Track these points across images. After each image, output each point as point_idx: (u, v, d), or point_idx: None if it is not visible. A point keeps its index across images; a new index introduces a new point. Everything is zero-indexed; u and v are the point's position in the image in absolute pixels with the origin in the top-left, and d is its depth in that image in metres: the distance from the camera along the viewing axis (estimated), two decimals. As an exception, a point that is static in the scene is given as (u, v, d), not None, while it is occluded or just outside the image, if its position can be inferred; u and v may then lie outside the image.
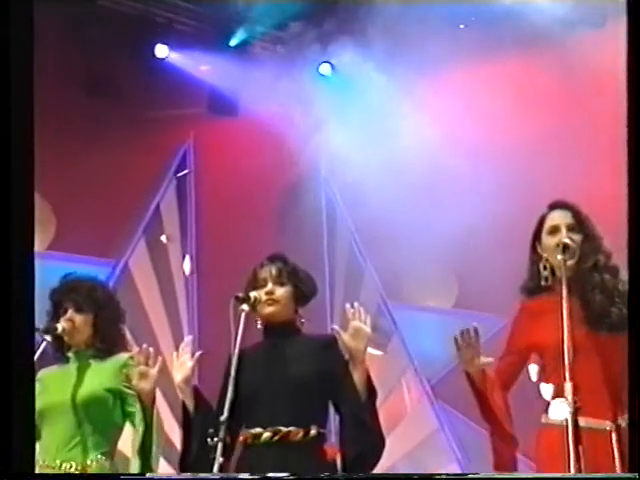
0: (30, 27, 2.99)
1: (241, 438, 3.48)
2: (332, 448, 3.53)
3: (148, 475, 3.80)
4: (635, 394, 2.86)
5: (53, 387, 4.00)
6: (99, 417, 3.95)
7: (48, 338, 3.92)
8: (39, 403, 3.89)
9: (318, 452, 3.48)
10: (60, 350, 4.04)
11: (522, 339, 3.54)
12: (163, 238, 7.25)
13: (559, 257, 3.39)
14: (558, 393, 3.14)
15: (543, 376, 3.47)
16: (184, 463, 3.52)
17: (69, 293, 4.03)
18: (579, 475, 3.00)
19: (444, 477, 3.64)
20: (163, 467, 6.73)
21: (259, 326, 3.66)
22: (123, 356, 4.03)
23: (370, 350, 7.78)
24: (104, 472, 3.89)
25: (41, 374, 4.03)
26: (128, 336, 4.14)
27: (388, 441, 7.54)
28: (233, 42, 7.35)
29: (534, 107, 6.73)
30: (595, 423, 3.28)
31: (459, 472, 7.20)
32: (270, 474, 3.15)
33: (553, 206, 3.61)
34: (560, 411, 3.30)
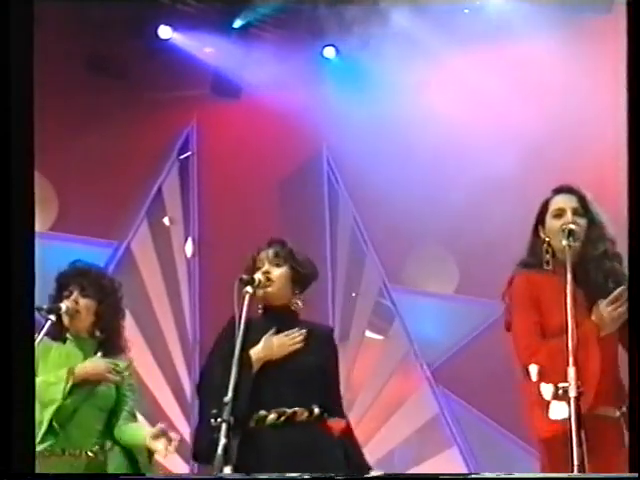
0: (30, 7, 2.98)
1: (251, 424, 3.50)
2: (337, 422, 3.56)
3: (148, 475, 3.82)
4: (635, 394, 2.85)
5: (53, 365, 3.99)
6: (105, 404, 3.96)
7: (52, 318, 3.92)
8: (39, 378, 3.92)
9: (323, 429, 3.54)
10: (60, 332, 4.03)
11: (532, 312, 3.49)
12: (166, 220, 7.24)
13: (564, 242, 3.39)
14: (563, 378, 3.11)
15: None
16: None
17: (76, 277, 4.04)
18: (579, 475, 3.01)
19: (446, 477, 3.64)
20: (174, 459, 6.81)
21: (260, 311, 3.67)
22: (124, 362, 4.06)
23: (371, 334, 7.87)
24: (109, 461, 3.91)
25: (40, 345, 4.00)
26: (126, 333, 4.14)
27: (388, 425, 7.60)
28: (237, 24, 7.31)
29: (538, 92, 6.71)
30: (599, 411, 3.28)
31: (459, 459, 7.23)
32: (272, 474, 3.15)
33: (558, 190, 3.61)
34: (560, 411, 3.32)
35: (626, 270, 3.38)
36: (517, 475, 3.03)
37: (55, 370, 3.95)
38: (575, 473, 2.92)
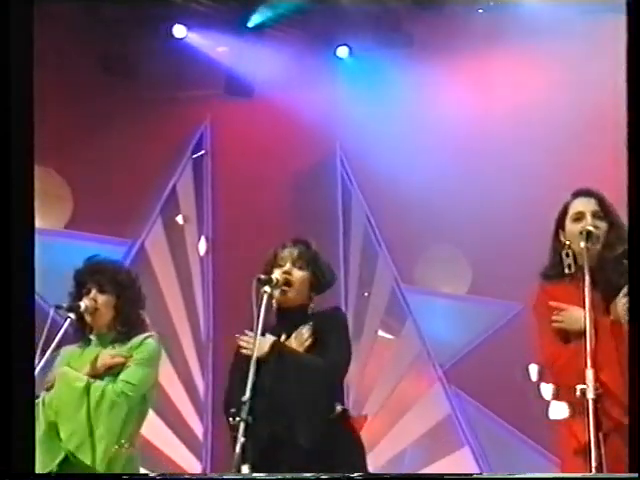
0: (30, 7, 2.98)
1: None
2: (360, 417, 3.53)
3: (150, 474, 3.83)
4: (635, 394, 2.85)
5: (75, 367, 4.03)
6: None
7: (72, 316, 3.95)
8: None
9: (346, 426, 3.49)
10: (82, 331, 4.07)
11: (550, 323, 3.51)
12: (179, 219, 7.25)
13: (582, 244, 3.38)
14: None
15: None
16: None
17: (93, 274, 4.06)
18: (579, 475, 3.01)
19: (446, 477, 3.63)
20: (187, 457, 6.82)
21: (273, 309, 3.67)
22: (139, 338, 4.06)
23: (383, 334, 7.86)
24: (127, 459, 3.91)
25: (65, 353, 4.07)
26: (148, 321, 4.16)
27: (400, 425, 7.59)
28: (251, 23, 7.32)
29: (555, 91, 6.69)
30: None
31: (471, 460, 7.21)
32: (271, 474, 3.14)
33: (577, 194, 3.60)
34: (560, 411, 3.32)
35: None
36: (517, 475, 3.03)
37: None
38: (589, 474, 2.92)
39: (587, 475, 2.99)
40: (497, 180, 6.61)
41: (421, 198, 6.76)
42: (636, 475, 2.77)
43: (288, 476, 3.15)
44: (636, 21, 2.95)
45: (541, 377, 3.46)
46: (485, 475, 5.93)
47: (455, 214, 6.81)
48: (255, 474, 3.19)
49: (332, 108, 7.07)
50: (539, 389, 3.56)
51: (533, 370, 3.49)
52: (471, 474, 6.42)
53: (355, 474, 3.29)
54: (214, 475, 3.11)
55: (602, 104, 6.11)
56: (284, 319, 3.64)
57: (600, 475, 3.02)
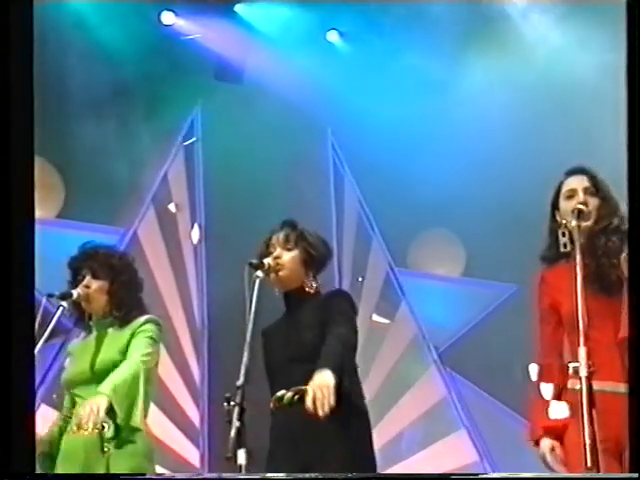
0: (30, 7, 2.97)
1: (271, 405, 3.52)
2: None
3: (148, 475, 3.85)
4: (635, 394, 2.86)
5: (77, 358, 4.07)
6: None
7: (64, 304, 3.95)
8: (65, 374, 4.05)
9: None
10: (81, 319, 4.08)
11: (551, 309, 3.55)
12: (171, 207, 7.25)
13: (574, 223, 3.42)
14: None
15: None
16: None
17: (86, 260, 4.07)
18: (578, 475, 3.03)
19: (448, 477, 3.65)
20: (184, 444, 6.80)
21: (277, 293, 3.69)
22: (139, 320, 4.05)
23: (378, 318, 7.87)
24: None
25: (70, 347, 4.11)
26: (145, 304, 4.16)
27: (396, 408, 7.59)
28: (239, 8, 7.30)
29: (549, 71, 6.68)
30: (609, 386, 3.30)
31: (468, 442, 7.23)
32: (275, 474, 3.15)
33: (569, 172, 3.64)
34: (560, 411, 3.35)
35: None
36: (518, 475, 3.05)
37: (78, 362, 4.02)
38: (581, 473, 2.94)
39: (587, 475, 3.00)
40: (490, 162, 6.61)
41: (413, 181, 6.76)
42: (636, 475, 2.79)
43: (289, 476, 3.16)
44: (636, 21, 2.96)
45: (540, 378, 3.49)
46: (489, 475, 5.98)
47: (448, 196, 6.81)
48: (255, 475, 3.20)
49: (323, 93, 7.06)
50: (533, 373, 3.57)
51: (533, 370, 3.51)
52: (475, 474, 6.43)
53: (355, 474, 3.31)
54: (214, 475, 3.10)
55: (601, 86, 6.11)
56: (290, 303, 3.68)
57: (600, 475, 3.04)
